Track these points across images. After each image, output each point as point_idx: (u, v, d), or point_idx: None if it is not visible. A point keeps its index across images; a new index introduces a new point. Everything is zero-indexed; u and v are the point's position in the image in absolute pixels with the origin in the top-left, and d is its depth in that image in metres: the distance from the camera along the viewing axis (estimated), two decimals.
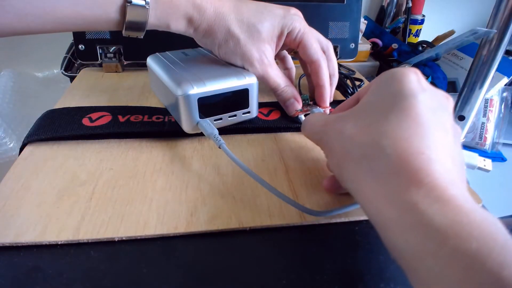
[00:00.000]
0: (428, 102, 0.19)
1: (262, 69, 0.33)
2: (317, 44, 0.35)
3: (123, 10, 0.28)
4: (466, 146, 0.66)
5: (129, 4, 0.27)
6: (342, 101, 0.38)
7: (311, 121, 0.25)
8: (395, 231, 0.17)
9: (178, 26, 0.31)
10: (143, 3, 0.27)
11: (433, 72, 0.67)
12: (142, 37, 0.30)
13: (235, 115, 0.33)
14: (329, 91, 0.36)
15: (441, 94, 0.21)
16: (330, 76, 0.36)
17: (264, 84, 0.34)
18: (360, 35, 0.63)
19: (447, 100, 0.21)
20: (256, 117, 0.35)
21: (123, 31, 0.29)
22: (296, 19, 0.33)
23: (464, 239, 0.14)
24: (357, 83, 0.44)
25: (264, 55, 0.33)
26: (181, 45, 0.39)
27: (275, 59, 0.35)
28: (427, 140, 0.18)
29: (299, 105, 0.35)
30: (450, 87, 0.71)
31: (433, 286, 0.15)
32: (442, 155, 0.18)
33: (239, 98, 0.32)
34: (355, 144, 0.20)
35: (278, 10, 0.33)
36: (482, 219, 0.15)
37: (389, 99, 0.20)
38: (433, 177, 0.16)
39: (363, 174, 0.19)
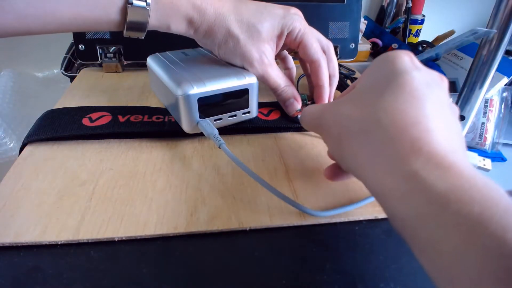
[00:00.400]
0: (422, 78, 0.19)
1: (262, 69, 0.33)
2: (317, 44, 0.35)
3: (124, 11, 0.28)
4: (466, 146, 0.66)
5: (129, 6, 0.27)
6: None
7: (308, 110, 0.26)
8: (397, 200, 0.17)
9: (179, 27, 0.31)
10: (143, 4, 0.27)
11: None
12: (143, 37, 0.30)
13: (235, 115, 0.33)
14: (328, 92, 0.36)
15: (435, 73, 0.21)
16: (330, 77, 0.36)
17: (264, 84, 0.34)
18: (360, 35, 0.63)
19: (441, 79, 0.21)
20: (256, 117, 0.35)
21: (124, 32, 0.29)
22: (296, 18, 0.33)
23: (466, 203, 0.14)
24: None
25: (264, 55, 0.33)
26: (181, 45, 0.39)
27: (275, 59, 0.35)
28: (424, 111, 0.18)
29: (299, 105, 0.35)
30: (450, 87, 0.71)
31: (436, 252, 0.15)
32: (439, 125, 0.18)
33: (239, 98, 0.32)
34: (352, 121, 0.20)
35: (278, 10, 0.33)
36: (484, 184, 0.15)
37: (384, 79, 0.20)
38: (431, 145, 0.16)
39: (362, 149, 0.19)
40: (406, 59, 0.20)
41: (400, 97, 0.18)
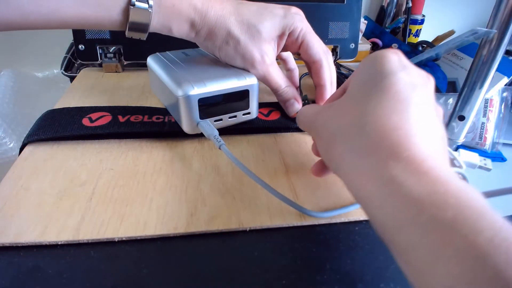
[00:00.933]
0: (408, 79, 0.19)
1: (264, 69, 0.33)
2: (319, 44, 0.35)
3: (126, 12, 0.28)
4: (466, 146, 0.66)
5: (132, 7, 0.27)
6: None
7: (304, 112, 0.26)
8: (376, 204, 0.17)
9: (180, 30, 0.31)
10: (146, 6, 0.28)
11: (433, 72, 0.67)
12: (145, 38, 0.30)
13: (235, 116, 0.33)
14: (330, 92, 0.36)
15: (422, 73, 0.21)
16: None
17: (265, 84, 0.34)
18: (360, 35, 0.63)
19: (428, 79, 0.21)
20: (256, 117, 0.35)
21: (126, 32, 0.29)
22: (297, 18, 0.33)
23: (440, 208, 0.14)
24: None
25: (265, 55, 0.33)
26: (181, 45, 0.39)
27: (277, 60, 0.35)
28: (406, 115, 0.18)
29: (299, 106, 0.35)
30: (450, 87, 0.71)
31: (412, 256, 0.15)
32: (421, 129, 0.18)
33: (239, 98, 0.32)
34: (340, 126, 0.21)
35: (278, 10, 0.33)
36: (459, 188, 0.15)
37: (371, 81, 0.20)
38: (411, 151, 0.17)
39: (346, 154, 0.19)
40: (394, 59, 0.20)
41: (385, 101, 0.19)
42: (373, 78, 0.20)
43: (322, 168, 0.27)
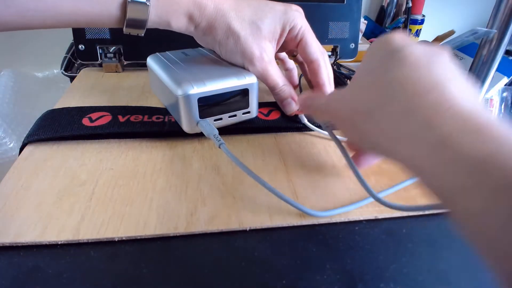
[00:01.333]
0: (422, 49, 0.19)
1: (262, 66, 0.33)
2: (317, 43, 0.35)
3: (123, 7, 0.28)
4: None
5: (130, 1, 0.27)
6: None
7: (312, 96, 0.26)
8: (432, 170, 0.16)
9: (179, 23, 0.30)
10: (143, 0, 0.27)
11: None
12: (142, 34, 0.30)
13: (235, 115, 0.33)
14: (329, 91, 0.36)
15: (435, 46, 0.21)
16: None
17: (263, 82, 0.34)
18: (360, 35, 0.63)
19: (442, 49, 0.21)
20: (256, 117, 0.35)
21: (124, 28, 0.29)
22: (297, 15, 0.33)
23: (509, 169, 0.13)
24: None
25: (264, 52, 0.33)
26: (181, 45, 0.39)
27: (276, 60, 0.35)
28: (433, 77, 0.17)
29: (296, 105, 0.35)
30: None
31: (479, 222, 0.13)
32: (454, 85, 0.17)
33: (239, 98, 0.32)
34: (368, 98, 0.20)
35: (279, 6, 0.33)
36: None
37: (385, 58, 0.20)
38: (455, 108, 0.16)
39: (385, 122, 0.18)
40: (401, 36, 0.21)
41: (406, 69, 0.18)
42: (386, 55, 0.20)
43: (362, 158, 0.26)
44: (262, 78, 0.34)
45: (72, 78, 0.50)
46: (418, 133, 0.16)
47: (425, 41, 0.21)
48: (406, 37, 0.21)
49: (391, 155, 0.19)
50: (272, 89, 0.35)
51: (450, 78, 0.18)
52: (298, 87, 0.41)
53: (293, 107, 0.35)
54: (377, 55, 0.21)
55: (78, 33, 0.45)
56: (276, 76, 0.34)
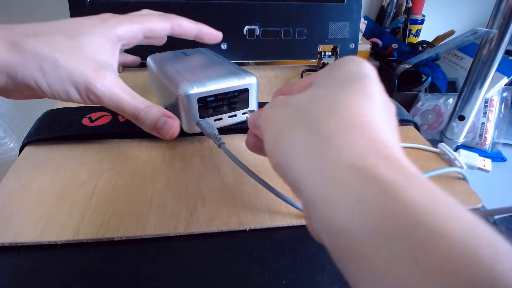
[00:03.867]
0: (381, 90, 0.19)
1: (107, 88, 0.25)
2: (158, 17, 0.30)
3: None
4: (466, 146, 0.66)
5: None
6: None
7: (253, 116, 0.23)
8: (347, 207, 0.13)
9: None
10: None
11: (433, 72, 0.67)
12: None
13: (235, 115, 0.33)
14: (207, 27, 0.32)
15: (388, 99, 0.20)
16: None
17: (117, 111, 0.26)
18: (360, 35, 0.63)
19: (392, 103, 0.20)
20: None
21: None
22: (116, 20, 0.28)
23: (448, 219, 0.11)
24: None
25: (102, 69, 0.25)
26: (181, 45, 0.39)
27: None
28: (381, 116, 0.16)
29: (175, 121, 0.27)
30: (450, 87, 0.71)
31: (396, 279, 0.11)
32: (395, 134, 0.16)
33: (239, 98, 0.32)
34: (301, 111, 0.18)
35: (89, 20, 0.27)
36: (452, 198, 0.12)
37: (346, 77, 0.19)
38: (391, 149, 0.14)
39: (305, 141, 0.16)
40: (370, 68, 0.20)
41: (360, 97, 0.17)
42: (349, 75, 0.19)
43: (257, 142, 0.23)
44: (115, 108, 0.26)
45: None
46: (349, 159, 0.14)
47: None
48: (374, 72, 0.20)
49: (294, 179, 0.17)
50: (133, 118, 0.26)
51: (393, 125, 0.17)
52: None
53: (172, 123, 0.27)
54: (341, 71, 0.20)
55: None
56: (130, 97, 0.26)
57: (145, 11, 0.32)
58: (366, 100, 0.17)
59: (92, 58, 0.25)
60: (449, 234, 0.11)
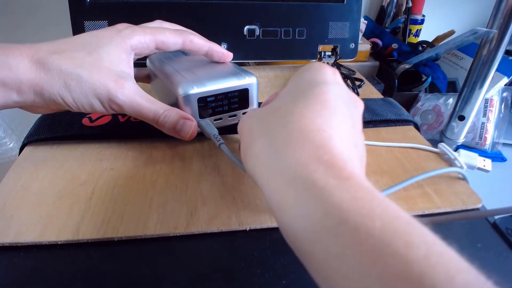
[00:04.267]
0: (340, 93, 0.19)
1: (129, 99, 0.26)
2: (170, 31, 0.30)
3: None
4: (466, 146, 0.66)
5: None
6: None
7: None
8: (292, 210, 0.15)
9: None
10: None
11: (433, 72, 0.67)
12: None
13: (235, 115, 0.33)
14: (218, 46, 0.33)
15: (354, 95, 0.21)
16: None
17: (137, 117, 0.28)
18: (360, 35, 0.63)
19: (359, 102, 0.21)
20: None
21: None
22: (131, 30, 0.28)
23: (366, 216, 0.13)
24: (357, 83, 0.44)
25: (121, 79, 0.26)
26: None
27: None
28: (331, 121, 0.17)
29: (193, 122, 0.29)
30: (450, 87, 0.71)
31: (332, 271, 0.13)
32: (344, 136, 0.17)
33: (239, 98, 0.32)
34: (262, 123, 0.20)
35: (105, 32, 0.28)
36: (383, 197, 0.14)
37: (303, 86, 0.20)
38: (332, 154, 0.16)
39: (265, 150, 0.18)
40: (329, 73, 0.21)
41: (312, 105, 0.18)
42: (306, 84, 0.20)
43: None
44: (134, 112, 0.27)
45: None
46: (292, 171, 0.16)
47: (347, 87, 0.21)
48: (335, 74, 0.21)
49: (257, 181, 0.18)
50: (154, 122, 0.28)
51: (345, 129, 0.18)
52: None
53: (190, 125, 0.29)
54: (301, 80, 0.21)
55: (78, 33, 0.45)
56: (150, 103, 0.28)
57: (157, 22, 0.33)
58: (318, 109, 0.18)
59: (111, 69, 0.26)
60: (367, 230, 0.12)
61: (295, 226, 0.15)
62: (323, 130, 0.17)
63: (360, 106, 0.21)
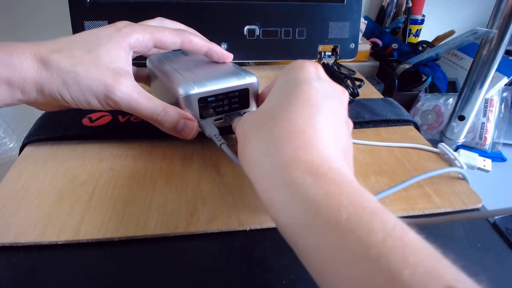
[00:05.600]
0: (321, 89, 0.20)
1: (126, 96, 0.26)
2: (169, 31, 0.30)
3: None
4: (466, 146, 0.66)
5: None
6: None
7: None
8: (278, 207, 0.17)
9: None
10: None
11: (433, 72, 0.67)
12: None
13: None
14: (218, 46, 0.33)
15: (338, 87, 0.22)
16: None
17: (135, 114, 0.28)
18: (360, 35, 0.63)
19: (342, 93, 0.22)
20: None
21: None
22: (131, 29, 0.28)
23: (335, 209, 0.14)
24: (357, 83, 0.44)
25: (120, 76, 0.26)
26: None
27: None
28: (312, 121, 0.18)
29: (194, 122, 0.29)
30: (450, 87, 0.71)
31: (313, 258, 0.15)
32: (325, 135, 0.18)
33: (239, 98, 0.32)
34: (254, 126, 0.21)
35: (105, 30, 0.28)
36: (353, 190, 0.15)
37: (286, 87, 0.21)
38: (311, 154, 0.17)
39: (255, 155, 0.19)
40: (311, 69, 0.21)
41: (294, 106, 0.19)
42: (289, 85, 0.21)
43: None
44: (131, 109, 0.27)
45: None
46: (277, 173, 0.17)
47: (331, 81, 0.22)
48: (317, 70, 0.22)
49: (252, 180, 0.19)
50: (152, 120, 0.28)
51: (327, 125, 0.19)
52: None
53: (192, 125, 0.29)
54: (284, 80, 0.22)
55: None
56: (148, 101, 0.28)
57: (158, 20, 0.33)
58: (300, 110, 0.19)
59: (109, 67, 0.26)
60: (335, 221, 0.14)
61: (283, 222, 0.17)
62: (304, 131, 0.18)
63: (344, 97, 0.22)
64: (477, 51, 0.54)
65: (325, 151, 0.17)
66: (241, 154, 0.21)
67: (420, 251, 0.12)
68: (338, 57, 0.51)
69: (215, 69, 0.33)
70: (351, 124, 0.23)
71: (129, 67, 0.29)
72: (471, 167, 0.30)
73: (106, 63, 0.26)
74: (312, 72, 0.21)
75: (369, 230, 0.13)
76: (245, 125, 0.22)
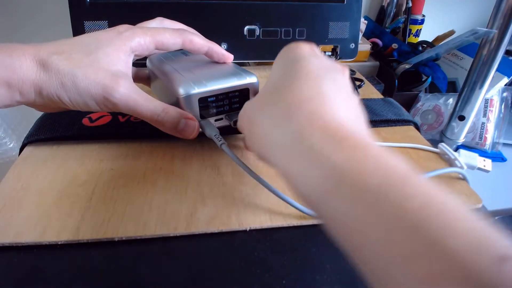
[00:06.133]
0: (320, 64, 0.20)
1: (124, 97, 0.26)
2: (170, 31, 0.30)
3: None
4: (466, 146, 0.66)
5: None
6: None
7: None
8: (298, 178, 0.16)
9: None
10: None
11: (433, 72, 0.67)
12: None
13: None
14: (218, 46, 0.33)
15: (335, 63, 0.21)
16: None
17: (134, 115, 0.28)
18: (360, 35, 0.63)
19: (342, 67, 0.21)
20: None
21: None
22: (132, 33, 0.28)
23: (362, 174, 0.14)
24: (357, 83, 0.44)
25: (119, 78, 0.26)
26: None
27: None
28: (319, 89, 0.18)
29: (195, 122, 0.28)
30: (450, 87, 0.71)
31: (341, 225, 0.14)
32: (336, 101, 0.18)
33: (239, 97, 0.32)
34: (256, 107, 0.21)
35: (106, 34, 0.28)
36: (379, 154, 0.14)
37: (285, 66, 0.21)
38: (325, 119, 0.16)
39: (264, 128, 0.19)
40: (306, 47, 0.22)
41: (297, 80, 0.19)
42: (288, 63, 0.21)
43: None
44: (130, 110, 0.27)
45: None
46: (289, 141, 0.17)
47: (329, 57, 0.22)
48: (312, 48, 0.22)
49: (269, 161, 0.19)
50: (152, 121, 0.28)
51: (334, 92, 0.18)
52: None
53: (193, 125, 0.28)
54: (281, 61, 0.22)
55: (78, 33, 0.45)
56: (148, 102, 0.27)
57: (158, 20, 0.33)
58: (304, 81, 0.19)
59: (108, 69, 0.26)
60: (364, 187, 0.13)
61: (304, 192, 0.16)
62: (313, 97, 0.18)
63: (345, 72, 0.22)
64: (477, 51, 0.54)
65: (339, 114, 0.17)
66: (250, 138, 0.21)
67: (464, 219, 0.11)
68: (338, 57, 0.51)
69: (215, 69, 0.33)
70: (357, 97, 0.22)
71: (128, 70, 0.29)
72: (471, 167, 0.30)
73: (105, 65, 0.26)
74: (308, 49, 0.21)
75: (404, 195, 0.12)
76: (247, 110, 0.22)
